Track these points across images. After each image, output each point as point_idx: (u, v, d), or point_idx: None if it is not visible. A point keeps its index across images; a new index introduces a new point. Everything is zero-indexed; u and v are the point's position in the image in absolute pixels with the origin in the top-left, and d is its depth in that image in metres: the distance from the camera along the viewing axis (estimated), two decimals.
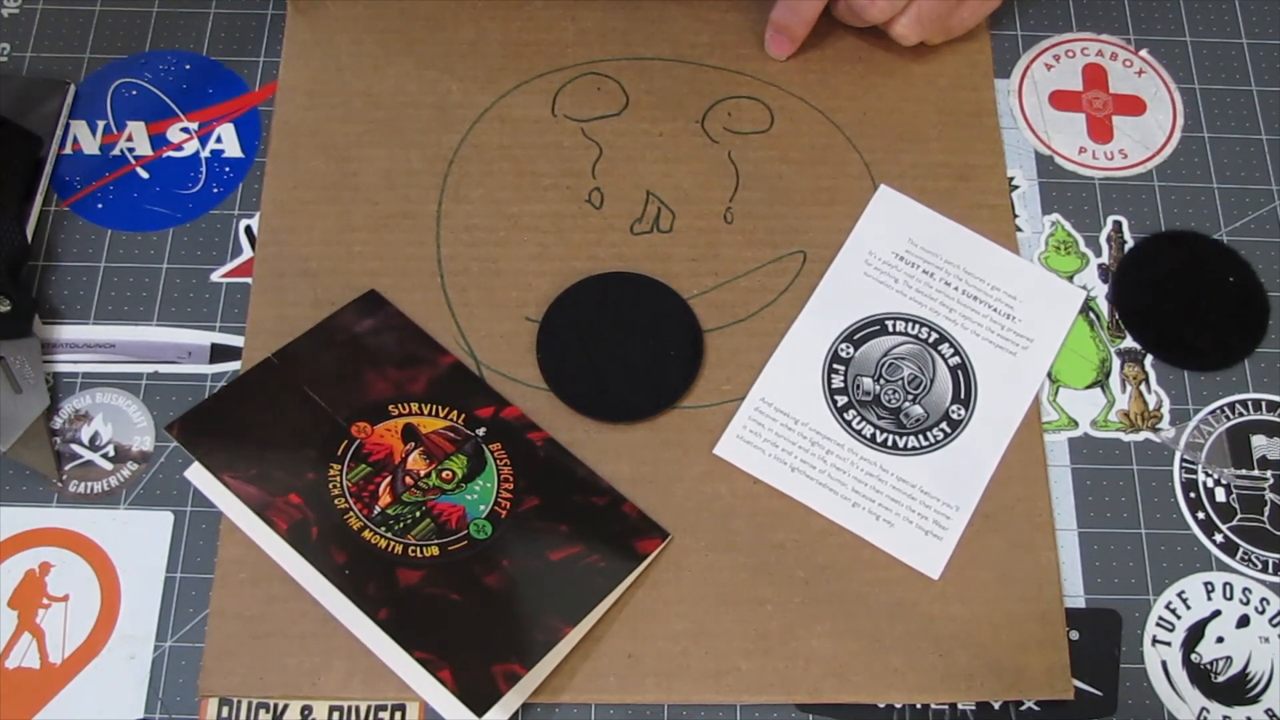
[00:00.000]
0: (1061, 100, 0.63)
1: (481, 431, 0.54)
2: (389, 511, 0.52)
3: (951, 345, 0.57)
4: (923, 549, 0.53)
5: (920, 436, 0.55)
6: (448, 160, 0.60)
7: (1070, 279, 0.59)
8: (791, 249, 0.59)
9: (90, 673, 0.51)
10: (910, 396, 0.56)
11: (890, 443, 0.55)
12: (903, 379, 0.56)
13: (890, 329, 0.57)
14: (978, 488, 0.54)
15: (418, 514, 0.52)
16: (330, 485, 0.52)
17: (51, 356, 0.56)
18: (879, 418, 0.56)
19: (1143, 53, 0.65)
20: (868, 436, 0.55)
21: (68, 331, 0.57)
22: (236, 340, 0.57)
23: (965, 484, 0.54)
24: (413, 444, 0.53)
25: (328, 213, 0.59)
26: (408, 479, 0.53)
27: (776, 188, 0.60)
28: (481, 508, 0.52)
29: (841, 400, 0.56)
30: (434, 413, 0.54)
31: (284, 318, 0.56)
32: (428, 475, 0.53)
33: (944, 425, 0.55)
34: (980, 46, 0.64)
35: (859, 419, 0.56)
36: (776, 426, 0.55)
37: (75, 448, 0.55)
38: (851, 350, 0.57)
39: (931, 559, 0.53)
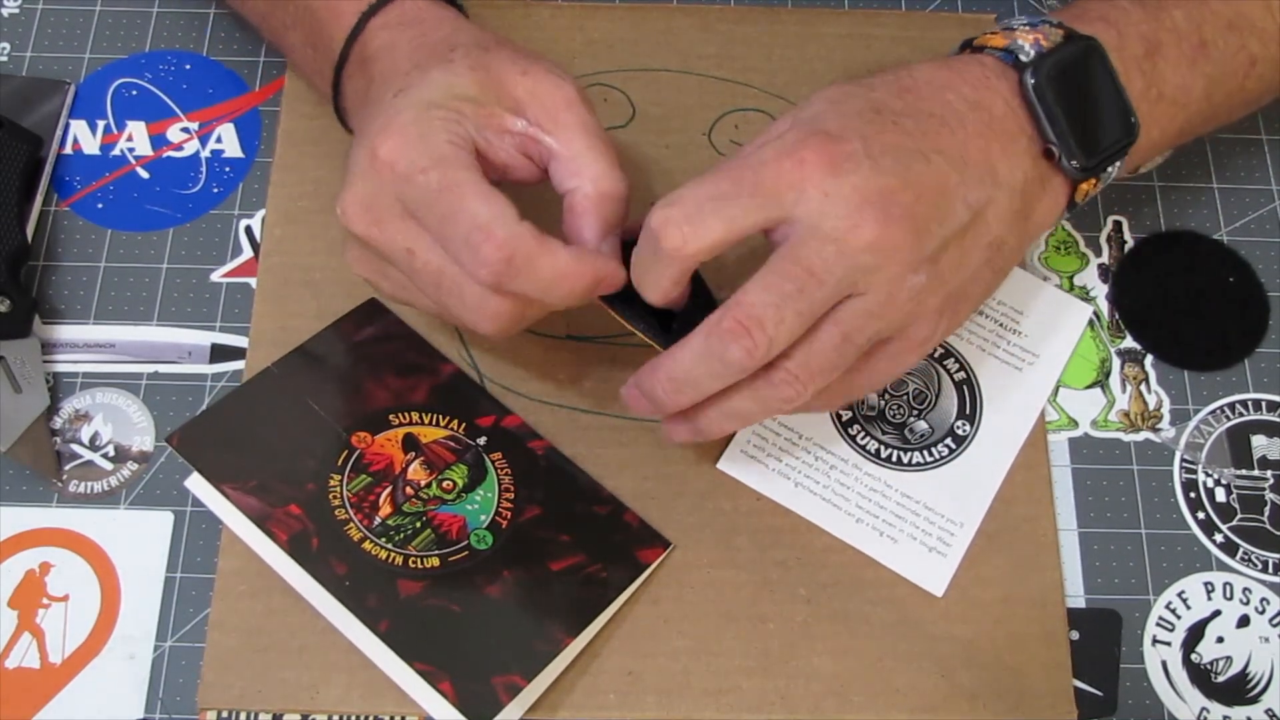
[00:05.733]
0: None
1: (482, 441, 0.54)
2: (389, 522, 0.51)
3: (957, 360, 0.57)
4: (926, 566, 0.53)
5: (925, 452, 0.55)
6: None
7: (1070, 279, 0.59)
8: None
9: (90, 673, 0.51)
10: (915, 412, 0.56)
11: (895, 458, 0.55)
12: (907, 394, 0.56)
13: None
14: (982, 504, 0.54)
15: (418, 524, 0.52)
16: (330, 496, 0.52)
17: (51, 356, 0.56)
18: (884, 433, 0.55)
19: None
20: (872, 452, 0.55)
21: (68, 331, 0.57)
22: (236, 340, 0.57)
23: (970, 500, 0.54)
24: (413, 454, 0.53)
25: (332, 223, 0.58)
26: (408, 489, 0.52)
27: None
28: (482, 518, 0.52)
29: (846, 415, 0.56)
30: (435, 422, 0.54)
31: (287, 328, 0.56)
32: (428, 485, 0.53)
33: (949, 441, 0.55)
34: None
35: (863, 434, 0.55)
36: (781, 441, 0.55)
37: (75, 448, 0.55)
38: None
39: (935, 576, 0.53)
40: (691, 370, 0.45)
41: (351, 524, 0.51)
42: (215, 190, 0.60)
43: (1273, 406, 0.57)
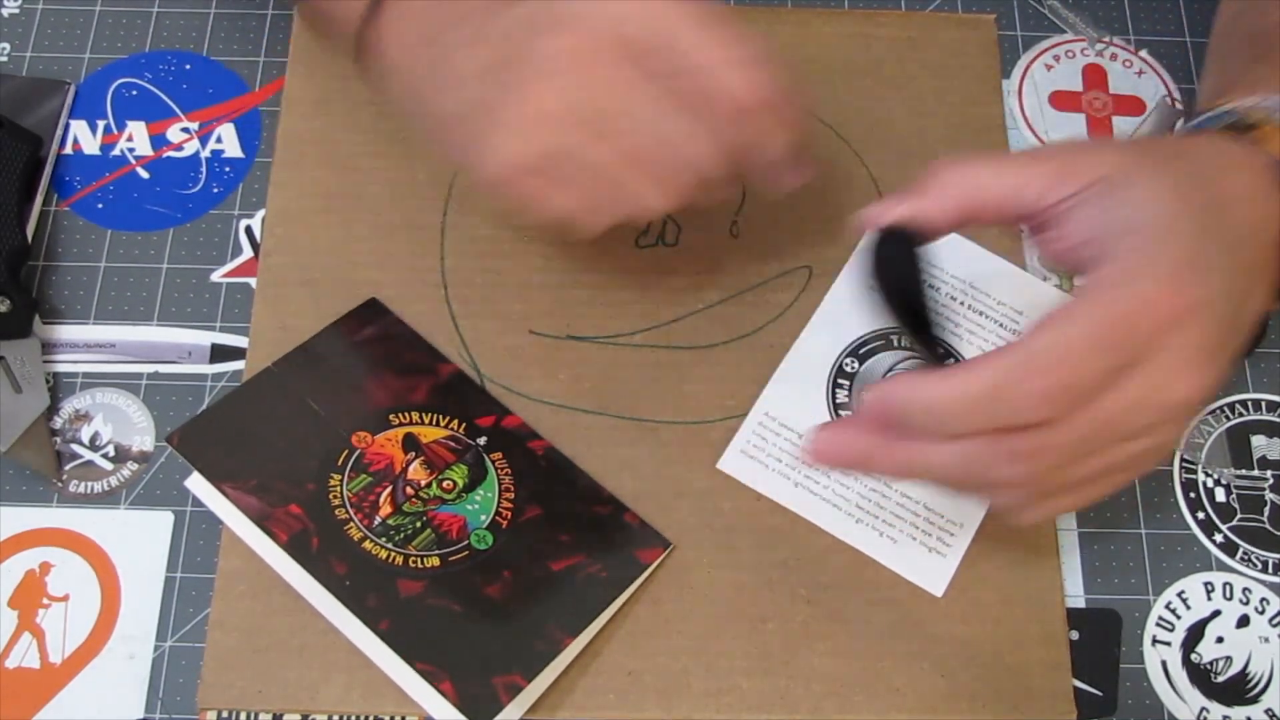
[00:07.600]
0: (1061, 101, 0.63)
1: (482, 440, 0.54)
2: (390, 522, 0.51)
3: (957, 361, 0.57)
4: (926, 566, 0.53)
5: None
6: (453, 171, 0.60)
7: (1070, 279, 0.59)
8: (797, 263, 0.59)
9: (90, 673, 0.51)
10: None
11: None
12: None
13: (895, 344, 0.57)
14: (982, 504, 0.54)
15: (418, 524, 0.52)
16: (331, 495, 0.52)
17: (51, 356, 0.56)
18: None
19: (1142, 53, 0.65)
20: None
21: (68, 331, 0.57)
22: (236, 340, 0.57)
23: (970, 500, 0.54)
24: (413, 454, 0.53)
25: (332, 222, 0.58)
26: (408, 489, 0.52)
27: (782, 202, 0.59)
28: (482, 518, 0.52)
29: (846, 414, 0.56)
30: (435, 422, 0.54)
31: (287, 328, 0.56)
32: (428, 485, 0.53)
33: None
34: (989, 63, 0.64)
35: None
36: (780, 441, 0.55)
37: (75, 448, 0.55)
38: (856, 365, 0.57)
39: (935, 576, 0.53)
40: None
41: (351, 524, 0.51)
42: (215, 190, 0.60)
43: (1273, 406, 0.57)
